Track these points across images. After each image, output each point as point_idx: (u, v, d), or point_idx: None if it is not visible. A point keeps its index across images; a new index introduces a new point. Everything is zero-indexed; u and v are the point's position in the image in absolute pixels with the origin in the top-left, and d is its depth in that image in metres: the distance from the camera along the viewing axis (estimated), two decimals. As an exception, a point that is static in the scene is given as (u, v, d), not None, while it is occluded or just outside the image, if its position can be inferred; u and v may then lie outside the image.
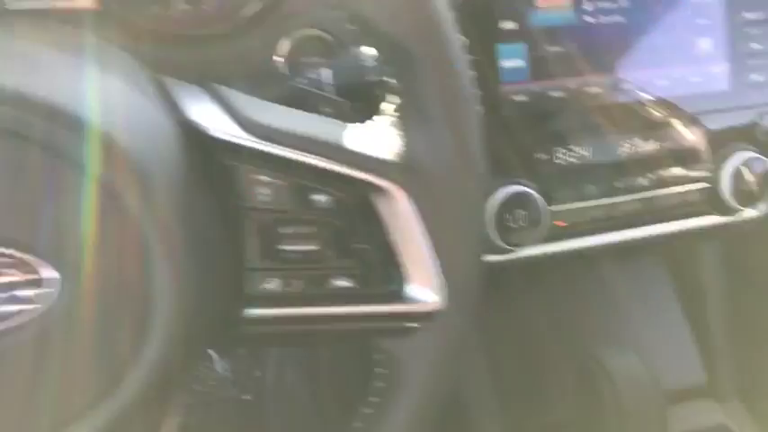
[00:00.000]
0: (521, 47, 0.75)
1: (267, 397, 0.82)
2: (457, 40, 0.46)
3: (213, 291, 0.44)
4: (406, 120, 0.46)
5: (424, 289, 0.47)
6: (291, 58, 0.73)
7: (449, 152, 0.46)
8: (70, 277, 0.39)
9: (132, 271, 0.40)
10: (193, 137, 0.45)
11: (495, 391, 0.90)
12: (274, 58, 0.72)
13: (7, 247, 0.38)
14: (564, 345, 0.92)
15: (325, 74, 0.61)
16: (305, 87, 0.60)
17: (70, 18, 0.73)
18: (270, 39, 0.73)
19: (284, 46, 0.73)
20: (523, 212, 0.73)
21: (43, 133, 0.39)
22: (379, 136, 0.47)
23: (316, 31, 0.74)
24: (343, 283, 0.47)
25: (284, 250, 0.46)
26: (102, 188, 0.39)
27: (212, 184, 0.45)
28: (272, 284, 0.46)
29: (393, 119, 0.47)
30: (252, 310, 0.46)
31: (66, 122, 0.39)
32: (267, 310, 0.46)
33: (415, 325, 0.48)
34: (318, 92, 0.59)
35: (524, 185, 0.74)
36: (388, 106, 0.48)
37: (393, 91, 0.48)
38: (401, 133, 0.46)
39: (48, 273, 0.39)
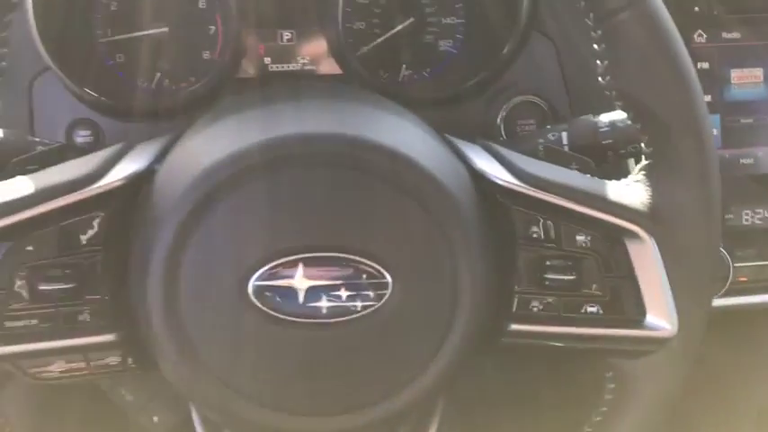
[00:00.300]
0: (714, 118, 0.84)
1: (514, 399, 0.93)
2: (707, 114, 0.55)
3: (492, 303, 0.55)
4: (656, 177, 0.56)
5: (659, 319, 0.56)
6: (509, 119, 0.85)
7: (693, 206, 0.55)
8: (399, 280, 0.51)
9: (443, 274, 0.52)
10: (479, 181, 0.56)
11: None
12: (498, 119, 0.85)
13: (363, 257, 0.51)
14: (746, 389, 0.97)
15: (565, 135, 0.72)
16: (552, 146, 0.70)
17: (320, 79, 0.89)
18: (492, 104, 0.86)
19: (504, 109, 0.85)
20: None
21: (385, 171, 0.51)
22: (629, 189, 0.57)
23: (531, 98, 0.86)
24: (593, 309, 0.56)
25: (548, 279, 0.56)
26: (424, 212, 0.51)
27: (494, 219, 0.56)
28: (536, 306, 0.56)
29: (641, 175, 0.57)
30: (517, 325, 0.57)
31: (402, 162, 0.52)
32: (530, 326, 0.56)
33: (650, 348, 0.57)
34: (566, 150, 0.69)
35: None
36: (634, 164, 0.58)
37: (637, 153, 0.58)
38: (650, 188, 0.56)
39: (385, 277, 0.51)
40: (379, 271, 0.51)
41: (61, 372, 0.55)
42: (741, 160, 0.84)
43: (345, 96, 0.61)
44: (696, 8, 0.84)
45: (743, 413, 0.98)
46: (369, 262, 0.51)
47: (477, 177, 0.56)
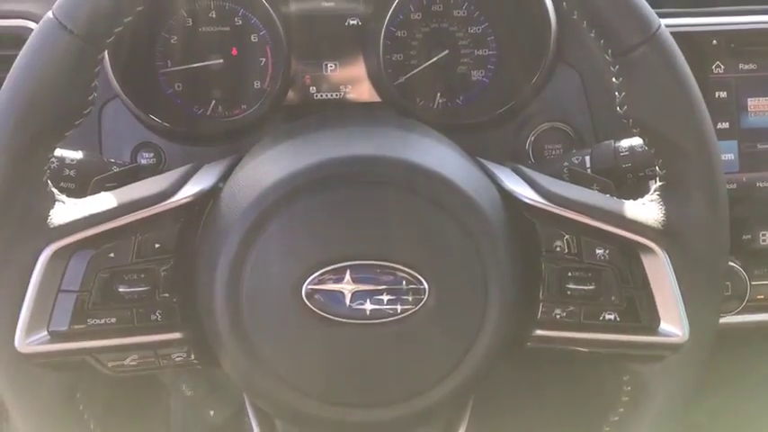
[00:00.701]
0: (732, 144, 0.89)
1: (536, 399, 0.98)
2: (715, 139, 0.61)
3: (519, 309, 0.60)
4: (669, 197, 0.61)
5: (672, 326, 0.61)
6: (537, 144, 0.90)
7: (702, 223, 0.60)
8: (435, 287, 0.57)
9: (474, 282, 0.58)
10: (508, 200, 0.62)
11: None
12: (527, 144, 0.90)
13: (403, 266, 0.57)
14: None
15: (588, 159, 0.77)
16: (576, 169, 0.76)
17: (362, 106, 0.95)
18: (521, 129, 0.91)
19: (532, 135, 0.91)
20: (728, 283, 0.86)
21: (423, 189, 0.58)
22: (644, 207, 0.62)
23: (558, 125, 0.91)
24: (611, 316, 0.62)
25: (570, 288, 0.61)
26: (458, 226, 0.57)
27: (521, 234, 0.62)
28: (559, 313, 0.62)
29: (655, 195, 0.63)
30: (542, 330, 0.62)
31: (439, 181, 0.58)
32: (553, 332, 0.62)
33: (663, 353, 0.62)
34: (589, 173, 0.75)
35: (731, 261, 0.86)
36: (650, 185, 0.64)
37: (654, 175, 0.64)
38: (663, 206, 0.62)
39: (423, 284, 0.57)
40: (417, 278, 0.57)
41: (134, 365, 0.61)
42: (758, 183, 0.89)
43: (387, 122, 0.67)
44: (714, 41, 0.89)
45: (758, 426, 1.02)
46: (408, 270, 0.57)
47: (507, 196, 0.62)
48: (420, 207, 0.58)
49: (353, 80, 0.94)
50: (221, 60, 0.91)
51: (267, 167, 0.59)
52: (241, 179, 0.60)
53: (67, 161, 0.75)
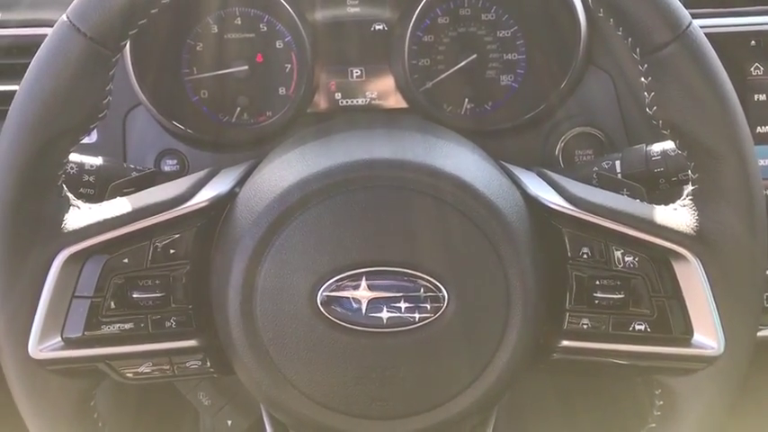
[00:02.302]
0: (771, 148, 0.85)
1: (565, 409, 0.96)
2: (750, 140, 0.58)
3: (543, 319, 0.58)
4: (702, 202, 0.59)
5: (706, 338, 0.58)
6: (567, 149, 0.88)
7: (738, 229, 0.57)
8: (454, 295, 0.55)
9: (496, 290, 0.56)
10: (533, 205, 0.60)
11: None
12: (557, 150, 0.88)
13: (421, 272, 0.55)
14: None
15: (618, 163, 0.75)
16: (605, 173, 0.74)
17: (388, 113, 0.94)
18: (550, 135, 0.89)
19: (562, 140, 0.88)
20: (767, 295, 0.82)
21: (443, 193, 0.56)
22: (676, 213, 0.60)
23: (589, 129, 0.88)
24: (641, 327, 0.59)
25: (598, 297, 0.59)
26: (479, 232, 0.55)
27: (546, 240, 0.59)
28: (586, 323, 0.59)
29: (688, 200, 0.60)
30: (568, 341, 0.60)
31: (459, 186, 0.56)
32: (580, 342, 0.60)
33: (697, 367, 0.59)
34: (619, 178, 0.72)
35: None
36: (683, 190, 0.61)
37: (687, 180, 0.61)
38: (696, 212, 0.59)
39: (441, 291, 0.55)
40: (436, 285, 0.55)
41: (148, 373, 0.60)
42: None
43: (408, 126, 0.66)
44: (752, 42, 0.86)
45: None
46: (426, 277, 0.55)
47: (531, 201, 0.60)
48: (440, 212, 0.56)
49: (379, 86, 0.93)
50: (246, 67, 0.90)
51: (284, 171, 0.58)
52: (257, 183, 0.59)
53: (87, 167, 0.75)
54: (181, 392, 0.90)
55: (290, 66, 0.91)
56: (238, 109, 0.92)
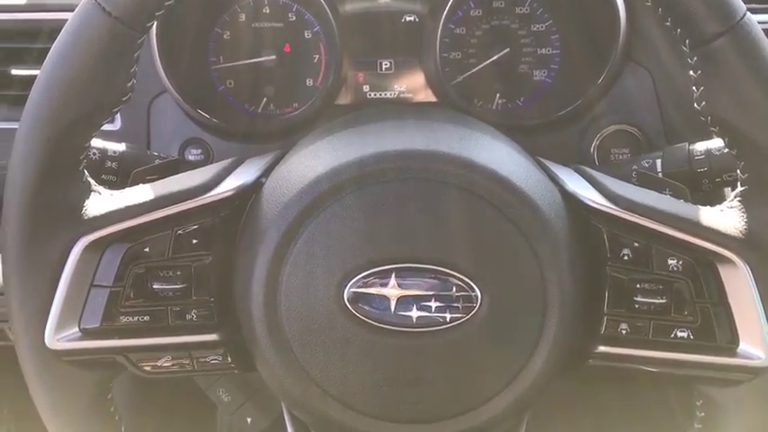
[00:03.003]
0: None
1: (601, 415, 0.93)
2: None
3: (580, 323, 0.55)
4: (752, 203, 0.56)
5: (753, 347, 0.55)
6: (603, 148, 0.85)
7: None
8: (488, 295, 0.53)
9: (532, 291, 0.53)
10: (571, 203, 0.57)
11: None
12: (592, 148, 0.85)
13: (454, 270, 0.53)
14: None
15: (659, 162, 0.72)
16: (646, 172, 0.71)
17: (419, 105, 0.91)
18: (586, 132, 0.86)
19: (597, 138, 0.85)
20: None
21: (478, 187, 0.53)
22: (723, 215, 0.57)
23: (625, 127, 0.85)
24: (683, 334, 0.56)
25: (638, 301, 0.56)
26: (515, 229, 0.53)
27: (584, 240, 0.57)
28: (625, 329, 0.56)
29: (736, 201, 0.57)
30: (606, 347, 0.57)
31: (495, 180, 0.54)
32: (618, 349, 0.57)
33: (743, 378, 0.56)
34: (660, 177, 0.69)
35: None
36: (730, 192, 0.58)
37: (733, 181, 0.58)
38: (745, 214, 0.56)
39: (474, 290, 0.53)
40: (468, 284, 0.53)
41: (167, 367, 0.58)
42: None
43: (443, 117, 0.63)
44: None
45: None
46: (459, 275, 0.53)
47: (569, 198, 0.58)
48: (475, 207, 0.54)
49: (409, 79, 0.91)
50: (274, 57, 0.89)
51: (312, 161, 0.56)
52: (284, 173, 0.57)
53: (110, 153, 0.73)
54: (199, 387, 0.89)
55: (318, 56, 0.90)
56: (265, 99, 0.90)
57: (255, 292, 0.54)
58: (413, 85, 0.91)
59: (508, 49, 0.89)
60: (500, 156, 0.56)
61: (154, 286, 0.56)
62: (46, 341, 0.55)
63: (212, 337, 0.57)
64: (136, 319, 0.56)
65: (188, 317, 0.57)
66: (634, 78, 0.85)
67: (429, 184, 0.53)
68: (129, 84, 0.55)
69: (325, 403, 0.54)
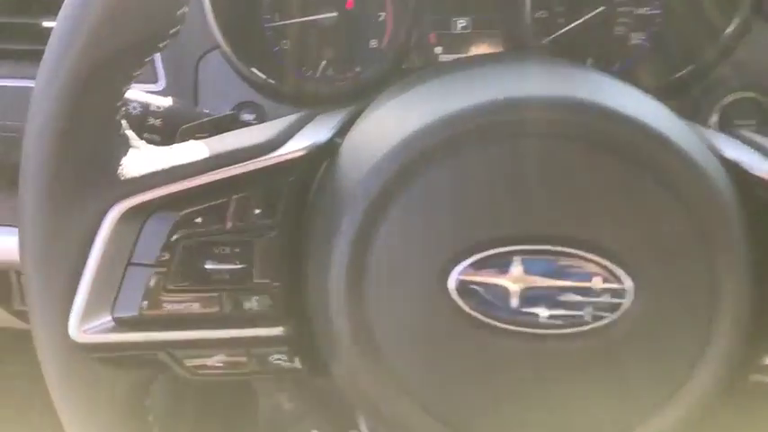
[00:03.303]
0: None
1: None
2: None
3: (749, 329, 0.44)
4: None
5: None
6: (724, 120, 0.75)
7: None
8: (643, 289, 0.43)
9: (700, 286, 0.43)
10: (733, 173, 0.47)
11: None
12: (710, 122, 0.75)
13: (597, 255, 0.43)
14: None
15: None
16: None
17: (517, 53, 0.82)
18: (701, 103, 0.76)
19: (716, 109, 0.75)
20: None
21: (631, 147, 0.43)
22: None
23: (750, 94, 0.75)
24: None
25: None
26: (680, 205, 0.43)
27: (755, 220, 0.46)
28: None
29: None
30: None
31: (652, 138, 0.43)
32: None
33: None
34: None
35: None
36: None
37: None
38: None
39: (623, 282, 0.43)
40: (616, 274, 0.43)
41: (219, 367, 0.49)
42: None
43: (555, 62, 0.53)
44: None
45: None
46: (604, 262, 0.43)
47: (731, 168, 0.48)
48: (622, 172, 0.43)
49: (487, 41, 0.84)
50: (335, 14, 0.83)
51: (402, 115, 0.47)
52: (366, 131, 0.48)
53: (153, 107, 0.65)
54: (239, 387, 0.80)
55: (384, 14, 0.83)
56: (323, 62, 0.84)
57: (334, 277, 0.45)
58: (492, 47, 0.85)
59: (602, 8, 0.82)
60: (647, 108, 0.46)
61: (206, 266, 0.47)
62: (71, 332, 0.46)
63: (276, 330, 0.48)
64: (183, 306, 0.48)
65: (246, 305, 0.48)
66: (764, 38, 0.76)
67: (558, 140, 0.44)
68: (180, 11, 0.46)
69: (423, 423, 0.45)
